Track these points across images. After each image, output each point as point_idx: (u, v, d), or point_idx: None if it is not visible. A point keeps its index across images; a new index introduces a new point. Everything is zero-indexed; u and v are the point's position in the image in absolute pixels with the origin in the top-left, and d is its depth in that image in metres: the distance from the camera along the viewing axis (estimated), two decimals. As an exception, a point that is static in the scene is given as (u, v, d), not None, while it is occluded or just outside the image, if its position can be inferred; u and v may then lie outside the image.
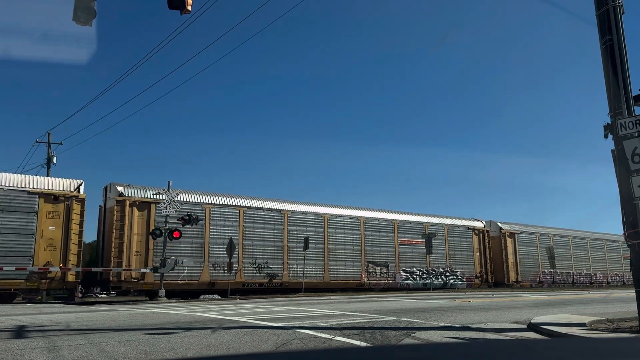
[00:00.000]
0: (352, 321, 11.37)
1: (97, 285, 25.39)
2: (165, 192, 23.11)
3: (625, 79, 9.60)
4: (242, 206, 26.93)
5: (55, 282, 21.80)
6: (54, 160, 34.61)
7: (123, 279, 23.43)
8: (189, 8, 10.54)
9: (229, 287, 24.50)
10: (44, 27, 21.92)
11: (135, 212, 23.98)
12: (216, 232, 25.80)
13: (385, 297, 23.15)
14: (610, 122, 9.60)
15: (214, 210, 25.83)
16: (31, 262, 21.33)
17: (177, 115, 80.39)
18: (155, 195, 23.97)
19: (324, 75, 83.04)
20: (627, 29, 9.93)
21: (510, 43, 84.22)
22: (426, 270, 32.69)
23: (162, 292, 22.38)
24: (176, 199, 22.98)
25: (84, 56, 22.72)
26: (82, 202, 22.64)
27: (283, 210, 28.07)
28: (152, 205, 24.12)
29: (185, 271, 24.53)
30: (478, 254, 35.28)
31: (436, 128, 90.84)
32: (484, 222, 36.69)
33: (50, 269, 21.42)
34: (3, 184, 21.20)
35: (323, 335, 8.95)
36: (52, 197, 22.01)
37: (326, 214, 29.55)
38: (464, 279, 34.40)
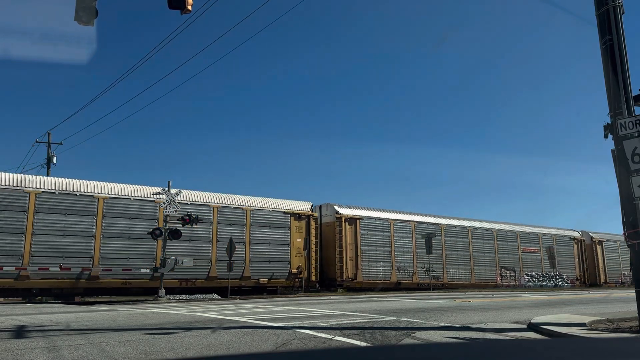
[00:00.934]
0: (352, 321, 11.37)
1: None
2: (165, 192, 23.11)
3: (625, 79, 9.60)
4: (412, 220, 33.19)
5: (304, 281, 27.92)
6: (54, 160, 34.64)
7: (344, 278, 29.47)
8: (189, 8, 10.54)
9: (411, 286, 31.41)
10: (44, 27, 21.94)
11: (347, 226, 30.18)
12: (398, 242, 31.85)
13: (385, 297, 23.16)
14: (610, 122, 9.61)
15: (397, 225, 32.22)
16: (289, 266, 27.71)
17: (177, 115, 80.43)
18: (359, 212, 30.88)
19: (323, 75, 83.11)
20: (627, 29, 9.95)
21: (510, 43, 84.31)
22: (542, 274, 38.89)
23: (162, 292, 22.38)
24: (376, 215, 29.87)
25: (84, 56, 22.74)
26: (315, 219, 29.53)
27: (440, 224, 34.20)
28: (358, 221, 30.41)
29: (381, 273, 30.84)
30: (577, 259, 41.33)
31: (436, 128, 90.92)
32: (580, 232, 42.66)
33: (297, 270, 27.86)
34: (268, 206, 28.00)
35: (323, 335, 8.95)
36: (297, 216, 28.58)
37: (470, 226, 35.88)
38: (568, 281, 39.99)
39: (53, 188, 22.64)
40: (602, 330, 9.67)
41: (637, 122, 9.16)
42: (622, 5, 9.81)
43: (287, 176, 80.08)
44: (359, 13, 78.87)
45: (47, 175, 32.91)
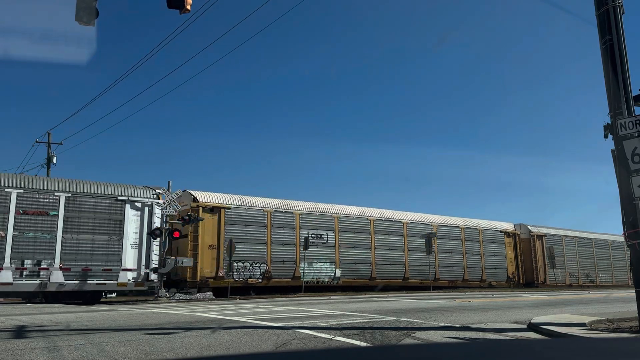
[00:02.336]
0: (352, 321, 11.37)
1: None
2: (165, 192, 23.11)
3: (625, 79, 9.60)
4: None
5: (514, 282, 36.82)
6: (54, 160, 34.63)
7: (539, 279, 38.16)
8: (188, 7, 10.54)
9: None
10: (44, 27, 21.94)
11: (537, 241, 38.88)
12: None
13: (385, 297, 23.15)
14: (610, 122, 9.60)
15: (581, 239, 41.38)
16: (506, 272, 36.66)
17: (177, 115, 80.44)
18: (544, 230, 39.43)
19: (324, 75, 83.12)
20: (627, 29, 9.94)
21: (510, 43, 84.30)
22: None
23: (162, 291, 22.37)
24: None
25: (84, 56, 22.73)
26: (519, 236, 38.24)
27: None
28: (543, 237, 39.25)
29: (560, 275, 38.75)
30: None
31: (435, 128, 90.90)
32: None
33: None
34: (491, 226, 36.87)
35: (323, 335, 8.95)
36: (508, 234, 37.55)
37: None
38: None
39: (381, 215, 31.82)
40: (602, 330, 9.67)
41: (637, 122, 9.16)
42: (622, 5, 9.81)
43: (287, 176, 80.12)
44: (359, 13, 78.93)
45: (47, 175, 32.91)
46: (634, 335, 8.87)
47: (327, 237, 28.46)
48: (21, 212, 20.16)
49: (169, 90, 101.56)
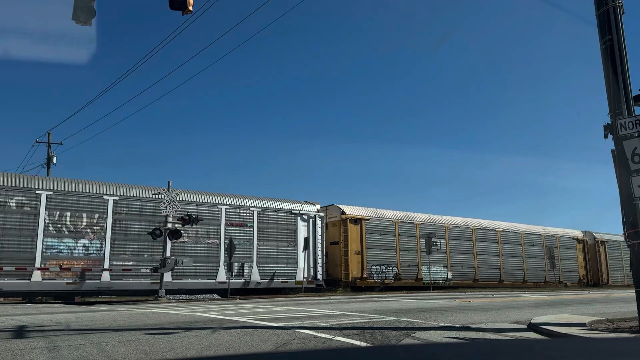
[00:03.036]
0: (352, 321, 11.37)
1: None
2: (165, 192, 23.11)
3: (625, 79, 9.60)
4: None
5: (581, 282, 40.87)
6: (54, 161, 34.62)
7: (604, 280, 42.25)
8: (190, 8, 10.54)
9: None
10: (44, 27, 21.91)
11: (600, 246, 43.43)
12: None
13: (385, 297, 23.16)
14: (610, 122, 9.60)
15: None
16: (578, 274, 41.12)
17: (177, 115, 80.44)
18: (606, 236, 43.01)
19: (324, 75, 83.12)
20: (627, 29, 9.94)
21: (510, 43, 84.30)
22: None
23: (162, 291, 22.37)
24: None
25: (84, 56, 22.69)
26: (586, 242, 42.17)
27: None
28: (606, 243, 43.22)
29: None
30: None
31: (435, 128, 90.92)
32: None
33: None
34: (566, 235, 40.58)
35: (323, 335, 8.95)
36: (578, 240, 41.63)
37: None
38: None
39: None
40: (602, 330, 9.67)
41: (637, 122, 9.16)
42: (622, 6, 9.81)
43: (288, 175, 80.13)
44: (359, 13, 78.92)
45: (47, 175, 32.91)
46: (634, 335, 8.87)
47: (440, 244, 32.33)
48: (229, 224, 25.58)
49: (169, 90, 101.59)
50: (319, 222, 28.02)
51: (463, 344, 5.68)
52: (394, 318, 12.02)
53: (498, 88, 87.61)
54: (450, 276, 33.32)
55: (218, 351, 7.49)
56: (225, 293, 24.36)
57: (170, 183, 23.50)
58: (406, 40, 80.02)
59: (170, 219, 22.91)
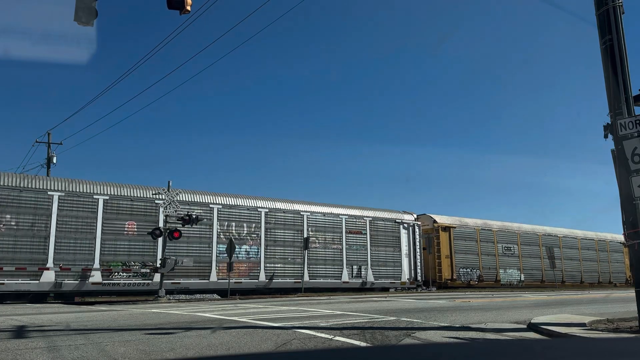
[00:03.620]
0: (352, 321, 11.37)
1: None
2: (165, 192, 23.11)
3: (625, 79, 9.60)
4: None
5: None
6: (54, 160, 34.60)
7: None
8: (188, 8, 10.54)
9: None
10: (44, 27, 21.92)
11: None
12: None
13: (385, 297, 23.16)
14: (610, 122, 9.60)
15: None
16: (625, 275, 41.96)
17: (177, 115, 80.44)
18: None
19: (324, 76, 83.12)
20: (627, 29, 9.94)
21: (510, 44, 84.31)
22: None
23: (162, 291, 22.37)
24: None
25: (84, 56, 22.71)
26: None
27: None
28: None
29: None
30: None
31: (436, 129, 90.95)
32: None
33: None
34: (614, 239, 41.45)
35: (323, 335, 8.95)
36: (624, 244, 38.90)
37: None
38: None
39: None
40: (602, 330, 9.67)
41: (637, 122, 9.16)
42: (622, 5, 9.80)
43: (288, 176, 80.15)
44: (359, 14, 78.91)
45: (47, 175, 32.91)
46: (633, 335, 8.87)
47: (514, 249, 36.88)
48: (348, 231, 29.44)
49: (169, 91, 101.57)
50: (417, 230, 32.03)
51: (463, 344, 5.68)
52: (394, 318, 12.02)
53: (498, 88, 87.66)
54: (522, 278, 36.82)
55: (218, 351, 7.49)
56: (225, 293, 24.38)
57: (170, 183, 23.52)
58: (407, 41, 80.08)
59: (169, 219, 22.96)
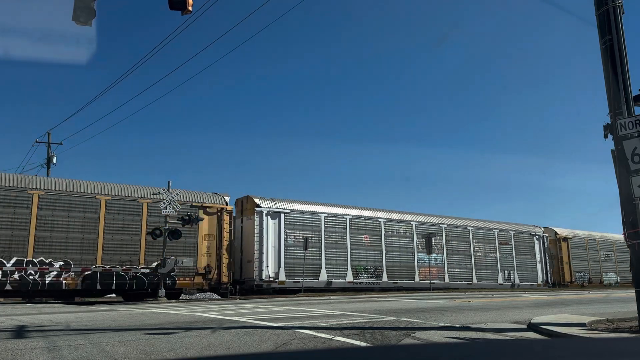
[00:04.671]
0: (352, 321, 11.37)
1: None
2: (165, 192, 23.11)
3: (625, 79, 9.60)
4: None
5: None
6: (54, 161, 34.60)
7: None
8: (190, 8, 10.54)
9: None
10: (44, 27, 21.89)
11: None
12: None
13: (385, 297, 23.16)
14: (610, 122, 9.60)
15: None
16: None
17: (176, 115, 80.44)
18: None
19: (323, 75, 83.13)
20: (627, 29, 9.95)
21: (510, 42, 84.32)
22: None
23: (162, 292, 22.37)
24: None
25: (83, 56, 22.66)
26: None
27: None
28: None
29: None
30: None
31: (435, 128, 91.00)
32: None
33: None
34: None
35: (323, 335, 8.95)
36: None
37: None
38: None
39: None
40: (602, 330, 9.67)
41: (637, 122, 9.16)
42: (622, 5, 9.81)
43: (287, 176, 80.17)
44: (359, 12, 78.93)
45: (47, 175, 32.90)
46: (633, 335, 8.87)
47: (611, 256, 43.32)
48: (499, 243, 35.87)
49: (169, 90, 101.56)
50: (545, 240, 38.56)
51: (463, 344, 5.68)
52: (394, 318, 12.02)
53: (497, 87, 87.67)
54: (619, 280, 42.50)
55: (218, 351, 7.49)
56: (225, 293, 24.38)
57: (170, 183, 23.53)
58: (406, 39, 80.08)
59: (169, 219, 22.97)
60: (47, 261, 21.28)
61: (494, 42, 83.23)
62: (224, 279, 24.73)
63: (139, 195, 23.77)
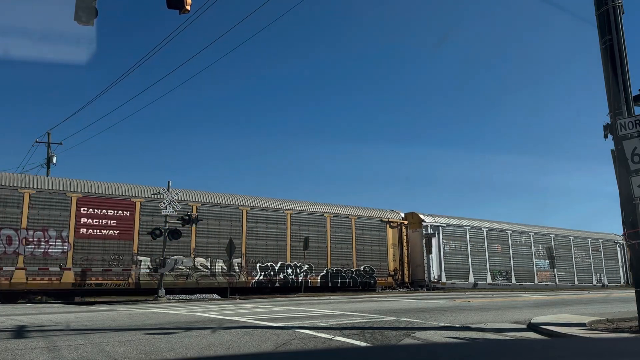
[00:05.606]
0: (351, 321, 11.37)
1: None
2: (165, 192, 23.11)
3: (625, 79, 9.60)
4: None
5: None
6: (54, 161, 34.59)
7: None
8: (188, 8, 10.54)
9: None
10: (44, 27, 21.92)
11: None
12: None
13: (385, 297, 23.16)
14: (610, 122, 9.61)
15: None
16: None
17: (176, 115, 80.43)
18: None
19: (323, 75, 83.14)
20: (627, 29, 9.95)
21: (509, 42, 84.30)
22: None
23: (162, 291, 22.38)
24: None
25: (83, 56, 22.67)
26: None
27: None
28: None
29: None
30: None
31: (435, 128, 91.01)
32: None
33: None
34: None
35: (323, 335, 8.95)
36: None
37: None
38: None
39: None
40: (601, 330, 9.67)
41: (637, 122, 9.17)
42: (622, 5, 9.81)
43: (287, 175, 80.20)
44: (359, 13, 78.93)
45: (47, 175, 32.90)
46: (633, 335, 8.87)
47: None
48: (592, 249, 42.07)
49: (169, 90, 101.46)
50: (618, 247, 43.60)
51: (463, 344, 5.68)
52: (394, 318, 12.02)
53: (497, 87, 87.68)
54: None
55: (218, 351, 7.49)
56: (225, 293, 24.39)
57: (170, 183, 23.54)
58: (405, 39, 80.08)
59: (169, 219, 22.99)
60: (298, 265, 27.93)
61: (494, 42, 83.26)
62: (405, 279, 31.74)
63: (349, 213, 30.82)
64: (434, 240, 32.34)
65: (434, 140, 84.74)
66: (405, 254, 31.68)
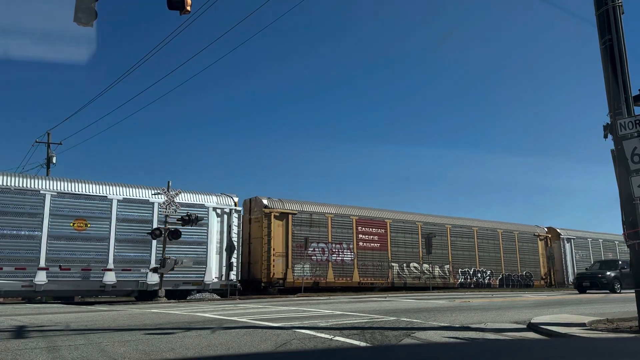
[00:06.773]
0: (351, 321, 11.37)
1: None
2: (165, 192, 23.11)
3: (625, 79, 9.59)
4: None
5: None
6: (54, 161, 34.59)
7: None
8: (188, 8, 10.54)
9: None
10: (44, 27, 21.87)
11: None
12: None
13: (385, 297, 23.16)
14: (609, 122, 9.60)
15: None
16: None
17: (176, 115, 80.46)
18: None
19: (324, 77, 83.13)
20: (627, 29, 9.94)
21: (510, 44, 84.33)
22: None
23: (162, 292, 22.37)
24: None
25: (83, 56, 22.65)
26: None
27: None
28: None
29: None
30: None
31: (436, 128, 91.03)
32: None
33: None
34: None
35: (323, 335, 8.95)
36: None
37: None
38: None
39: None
40: (601, 330, 9.67)
41: (637, 122, 9.16)
42: (621, 5, 9.80)
43: (287, 176, 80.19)
44: (359, 14, 78.94)
45: (47, 175, 32.89)
46: (633, 335, 8.87)
47: None
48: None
49: (169, 90, 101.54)
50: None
51: (463, 344, 5.68)
52: (394, 318, 12.02)
53: (498, 88, 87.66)
54: None
55: (218, 351, 7.49)
56: (224, 293, 24.41)
57: (170, 183, 23.54)
58: (406, 40, 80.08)
59: (169, 219, 22.99)
60: (484, 269, 35.79)
61: (495, 44, 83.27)
62: (552, 282, 39.37)
63: (513, 229, 38.77)
64: (568, 250, 40.18)
65: (435, 141, 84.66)
66: (548, 262, 39.67)
